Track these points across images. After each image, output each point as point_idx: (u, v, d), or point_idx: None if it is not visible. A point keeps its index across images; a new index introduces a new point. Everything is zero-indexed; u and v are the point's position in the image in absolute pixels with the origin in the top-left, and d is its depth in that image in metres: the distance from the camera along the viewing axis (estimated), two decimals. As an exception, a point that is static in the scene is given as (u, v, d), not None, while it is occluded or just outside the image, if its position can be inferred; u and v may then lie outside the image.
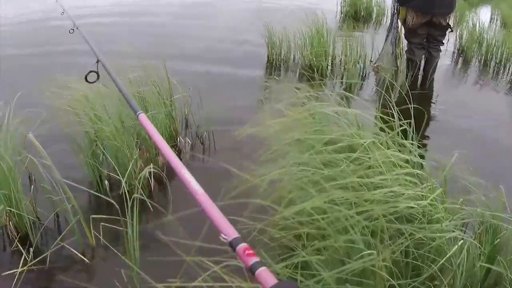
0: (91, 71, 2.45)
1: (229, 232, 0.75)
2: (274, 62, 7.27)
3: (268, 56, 7.37)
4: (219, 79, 6.56)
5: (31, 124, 3.45)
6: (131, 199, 2.60)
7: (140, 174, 2.92)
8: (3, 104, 3.47)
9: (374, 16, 11.61)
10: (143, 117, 1.69)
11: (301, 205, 2.03)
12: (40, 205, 3.41)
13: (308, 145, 2.53)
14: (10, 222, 3.15)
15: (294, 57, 7.40)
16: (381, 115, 2.86)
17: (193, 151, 4.39)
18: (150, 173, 3.48)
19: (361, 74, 6.70)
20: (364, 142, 2.36)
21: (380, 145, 2.41)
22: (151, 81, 4.26)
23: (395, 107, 2.76)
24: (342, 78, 6.71)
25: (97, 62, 2.47)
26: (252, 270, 0.64)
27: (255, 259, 0.65)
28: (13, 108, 3.41)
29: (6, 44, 7.60)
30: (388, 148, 2.43)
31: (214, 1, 13.66)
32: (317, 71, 6.40)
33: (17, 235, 3.15)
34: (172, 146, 4.16)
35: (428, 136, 4.90)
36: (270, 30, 7.15)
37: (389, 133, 2.49)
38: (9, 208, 3.05)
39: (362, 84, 6.56)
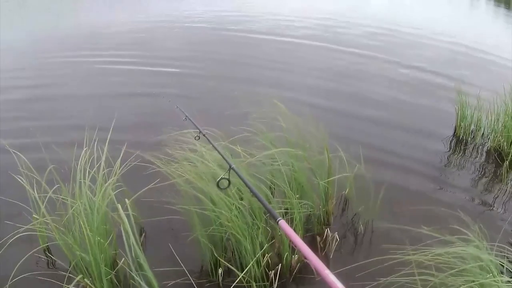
0: (222, 178, 2.24)
1: None
2: (461, 137, 6.06)
3: (455, 128, 6.22)
4: (392, 147, 5.63)
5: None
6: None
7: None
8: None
9: None
10: (283, 224, 1.62)
11: None
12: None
13: None
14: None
15: (483, 133, 6.11)
16: None
17: (342, 247, 3.54)
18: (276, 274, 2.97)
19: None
20: None
21: None
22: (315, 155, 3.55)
23: None
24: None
25: (229, 169, 2.25)
26: None
27: None
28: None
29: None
30: None
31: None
32: (506, 158, 5.25)
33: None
34: (319, 235, 3.53)
35: None
36: (462, 98, 6.02)
37: None
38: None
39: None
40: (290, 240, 1.50)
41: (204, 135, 3.04)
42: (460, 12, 27.43)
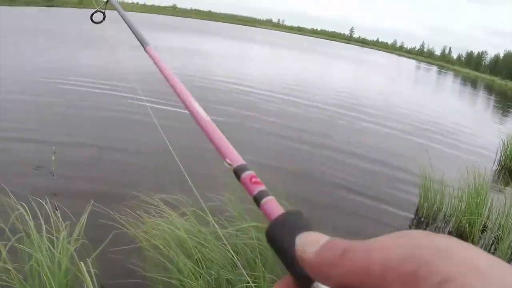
0: (97, 11, 1.97)
1: (234, 158, 0.64)
2: (423, 216, 6.22)
3: (418, 208, 6.40)
4: (358, 223, 5.68)
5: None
6: None
7: None
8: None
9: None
10: (150, 50, 1.41)
11: None
12: None
13: None
14: None
15: (445, 214, 6.27)
16: None
17: None
18: None
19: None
20: None
21: None
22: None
23: None
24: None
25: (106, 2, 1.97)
26: (257, 199, 0.55)
27: (261, 187, 0.56)
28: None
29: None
30: None
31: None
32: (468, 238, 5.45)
33: None
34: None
35: None
36: (426, 180, 6.22)
37: None
38: None
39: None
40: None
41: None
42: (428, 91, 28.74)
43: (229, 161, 0.64)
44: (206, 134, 0.75)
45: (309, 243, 0.40)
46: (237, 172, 0.62)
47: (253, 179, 0.59)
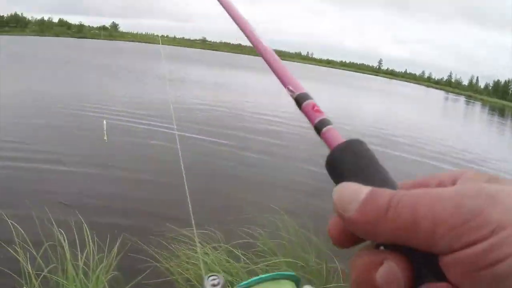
0: None
1: (296, 86, 0.62)
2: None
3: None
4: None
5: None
6: None
7: None
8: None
9: None
10: None
11: None
12: None
13: None
14: None
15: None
16: None
17: None
18: None
19: None
20: None
21: None
22: (313, 265, 3.51)
23: None
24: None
25: None
26: (318, 128, 0.54)
27: (322, 116, 0.55)
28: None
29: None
30: None
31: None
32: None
33: None
34: None
35: None
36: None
37: None
38: None
39: None
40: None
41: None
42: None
43: (291, 88, 0.63)
44: (268, 64, 0.72)
45: (349, 199, 0.37)
46: (299, 100, 0.61)
47: (315, 108, 0.58)
